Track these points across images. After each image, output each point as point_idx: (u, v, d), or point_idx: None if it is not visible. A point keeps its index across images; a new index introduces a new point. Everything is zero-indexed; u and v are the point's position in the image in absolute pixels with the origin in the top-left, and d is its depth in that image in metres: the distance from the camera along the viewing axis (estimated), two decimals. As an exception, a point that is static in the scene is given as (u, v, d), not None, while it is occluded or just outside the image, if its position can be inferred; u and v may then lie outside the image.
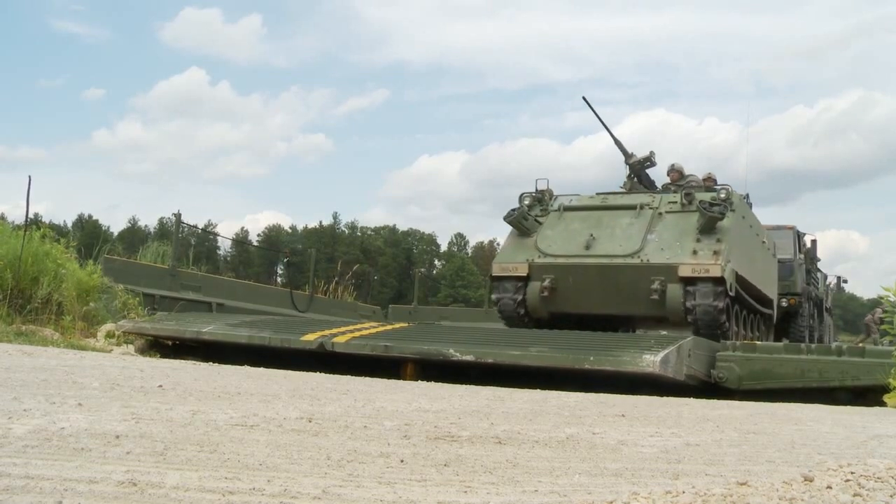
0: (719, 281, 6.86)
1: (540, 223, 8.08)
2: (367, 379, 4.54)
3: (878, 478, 1.71)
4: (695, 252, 7.04)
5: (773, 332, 14.02)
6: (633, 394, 4.29)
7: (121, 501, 1.33)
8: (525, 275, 7.77)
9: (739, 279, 7.45)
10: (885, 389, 4.77)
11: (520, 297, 7.88)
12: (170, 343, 6.39)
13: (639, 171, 8.94)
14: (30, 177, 7.10)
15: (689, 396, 4.58)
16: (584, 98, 8.95)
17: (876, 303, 20.68)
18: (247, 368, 4.81)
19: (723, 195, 7.52)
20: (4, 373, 3.14)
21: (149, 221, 70.41)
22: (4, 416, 2.07)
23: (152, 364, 4.50)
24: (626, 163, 8.97)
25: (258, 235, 71.68)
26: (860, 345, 7.78)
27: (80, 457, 1.64)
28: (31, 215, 7.69)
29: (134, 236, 53.84)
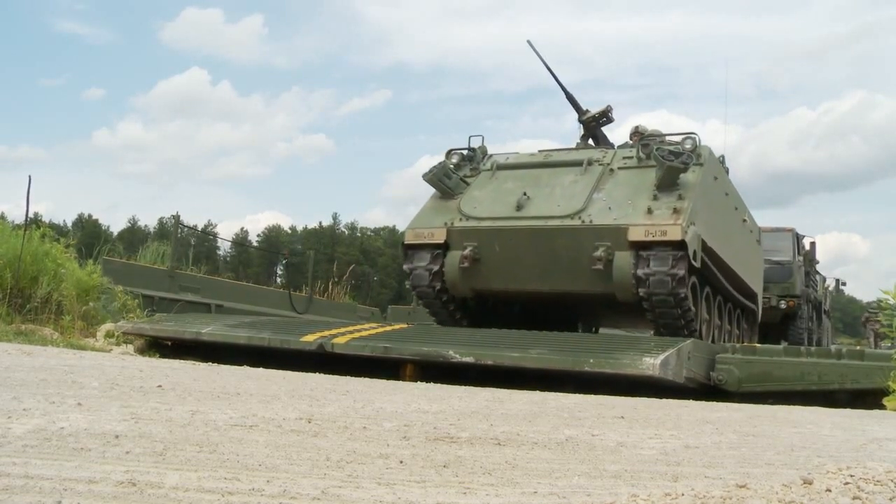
0: (679, 246, 5.62)
1: (468, 184, 6.86)
2: (367, 380, 4.54)
3: (878, 481, 1.71)
4: (650, 211, 5.78)
5: (758, 333, 13.53)
6: (632, 395, 4.29)
7: (120, 501, 1.33)
8: (442, 242, 6.49)
9: (709, 252, 6.28)
10: (885, 392, 4.77)
11: (436, 270, 6.58)
12: (169, 343, 6.39)
13: (594, 128, 7.62)
14: (30, 176, 7.12)
15: (689, 398, 4.58)
16: (528, 42, 7.66)
17: (865, 307, 20.72)
18: (246, 369, 4.81)
19: (688, 145, 6.26)
20: (4, 372, 3.14)
21: (149, 221, 70.54)
22: (4, 415, 2.07)
23: (152, 364, 4.50)
24: (580, 120, 7.63)
25: (258, 236, 71.76)
26: (858, 348, 7.76)
27: (79, 457, 1.64)
28: (31, 215, 7.69)
29: (134, 236, 53.81)
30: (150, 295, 7.82)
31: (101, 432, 1.92)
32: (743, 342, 8.68)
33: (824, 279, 17.09)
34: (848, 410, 4.33)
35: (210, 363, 5.25)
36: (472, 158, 7.19)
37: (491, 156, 7.19)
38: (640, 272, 5.75)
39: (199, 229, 38.49)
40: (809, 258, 14.42)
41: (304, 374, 4.68)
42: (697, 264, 5.80)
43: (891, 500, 1.55)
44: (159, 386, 3.09)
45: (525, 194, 6.32)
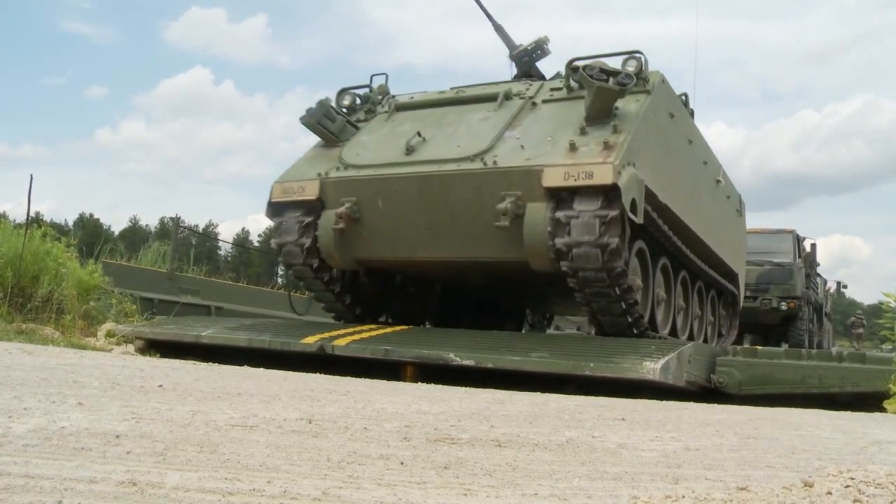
0: (610, 193, 4.33)
1: (357, 129, 5.71)
2: (367, 380, 4.54)
3: (878, 484, 1.71)
4: (573, 148, 4.52)
5: (759, 335, 13.07)
6: (632, 397, 4.28)
7: (120, 501, 1.33)
8: (315, 198, 5.29)
9: (662, 209, 5.07)
10: (885, 395, 4.77)
11: (308, 234, 5.40)
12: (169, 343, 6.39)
13: (527, 64, 6.32)
14: (31, 175, 7.11)
15: (689, 400, 4.58)
16: None
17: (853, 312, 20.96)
18: (247, 369, 4.81)
19: (631, 67, 4.89)
20: (5, 371, 3.14)
21: (150, 221, 70.67)
22: (4, 414, 2.07)
23: (152, 364, 4.50)
24: (511, 56, 6.39)
25: (259, 236, 71.70)
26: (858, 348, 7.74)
27: (79, 456, 1.64)
28: (32, 214, 7.71)
29: (135, 236, 53.84)
30: (149, 297, 7.83)
31: (102, 432, 1.92)
32: (721, 332, 8.24)
33: (825, 281, 17.11)
34: (849, 413, 4.32)
35: (210, 363, 5.25)
36: (369, 99, 5.99)
37: (393, 97, 6.01)
38: (558, 235, 4.50)
39: (201, 229, 38.53)
40: (810, 260, 14.43)
41: (304, 374, 4.68)
42: (639, 219, 4.53)
43: (891, 502, 1.55)
44: (160, 386, 3.09)
45: (419, 135, 5.11)
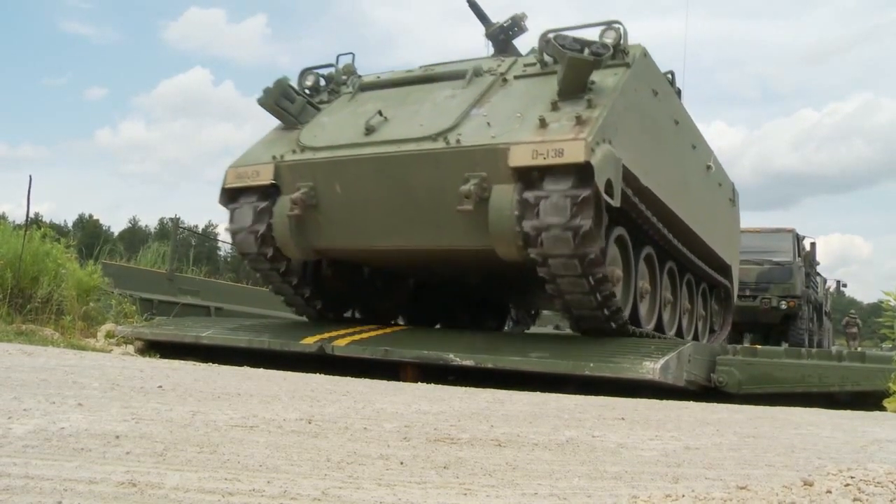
0: (583, 172, 3.99)
1: (319, 110, 5.38)
2: (367, 381, 4.54)
3: (878, 482, 1.71)
4: (543, 124, 4.18)
5: (759, 333, 12.75)
6: (632, 396, 4.28)
7: (120, 502, 1.33)
8: (269, 183, 4.97)
9: (643, 192, 4.77)
10: (885, 394, 4.77)
11: (263, 222, 5.06)
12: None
13: (503, 42, 5.95)
14: (31, 176, 7.12)
15: (689, 400, 4.58)
16: None
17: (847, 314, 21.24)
18: (246, 369, 4.80)
19: (608, 38, 4.58)
20: (4, 372, 3.14)
21: (150, 221, 70.60)
22: (4, 415, 2.07)
23: (152, 364, 4.50)
24: (487, 34, 6.01)
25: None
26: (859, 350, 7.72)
27: (79, 457, 1.64)
28: (32, 215, 7.71)
29: (134, 236, 53.79)
30: (149, 298, 7.82)
31: (102, 433, 1.92)
32: (713, 328, 8.02)
33: (825, 280, 17.12)
34: (848, 412, 4.32)
35: (210, 364, 5.25)
36: (332, 79, 5.63)
37: (359, 76, 5.64)
38: (526, 218, 4.14)
39: (200, 230, 38.52)
40: (810, 259, 14.45)
41: (304, 374, 4.68)
42: (615, 202, 4.17)
43: (891, 501, 1.55)
44: (160, 386, 3.09)
45: (380, 114, 4.76)
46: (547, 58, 4.79)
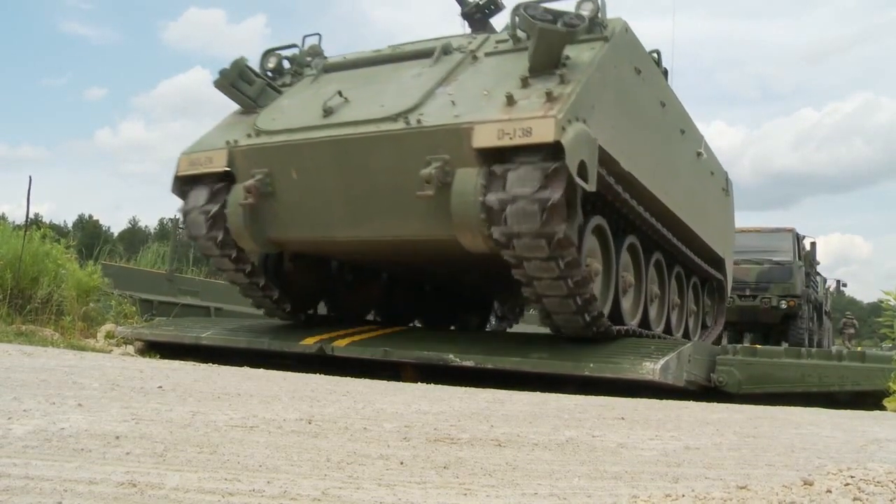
0: (552, 151, 3.68)
1: (280, 93, 5.09)
2: (367, 381, 4.54)
3: (878, 482, 1.71)
4: (510, 101, 3.88)
5: (759, 333, 12.45)
6: (632, 396, 4.28)
7: (120, 502, 1.33)
8: (223, 170, 4.68)
9: (624, 177, 4.45)
10: (885, 394, 4.78)
11: (215, 212, 4.72)
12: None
13: (480, 22, 5.62)
14: (30, 177, 7.13)
15: (689, 399, 4.58)
16: None
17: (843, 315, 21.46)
18: (246, 370, 4.81)
19: (586, 10, 4.26)
20: (4, 373, 3.14)
21: (149, 222, 70.55)
22: (4, 416, 2.07)
23: (152, 365, 4.50)
24: (463, 14, 5.65)
25: (258, 236, 71.49)
26: (859, 350, 7.69)
27: (79, 457, 1.64)
28: (31, 215, 7.71)
29: (134, 237, 53.74)
30: (148, 299, 7.83)
31: (102, 433, 1.92)
32: (706, 324, 7.78)
33: (825, 280, 17.13)
34: (848, 411, 4.33)
35: (210, 364, 5.25)
36: (296, 61, 5.33)
37: (325, 58, 5.33)
38: (490, 198, 3.78)
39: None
40: (810, 259, 14.45)
41: (304, 375, 4.68)
42: (590, 186, 3.84)
43: (891, 501, 1.55)
44: (160, 387, 3.09)
45: (340, 94, 4.46)
46: (521, 33, 4.47)
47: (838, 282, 18.78)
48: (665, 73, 5.58)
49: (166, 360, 5.34)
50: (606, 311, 4.72)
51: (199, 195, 4.83)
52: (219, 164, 4.68)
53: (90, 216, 65.43)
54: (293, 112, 4.70)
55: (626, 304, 5.17)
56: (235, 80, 4.89)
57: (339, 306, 6.51)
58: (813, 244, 14.69)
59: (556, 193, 3.66)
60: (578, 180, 3.74)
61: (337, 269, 6.08)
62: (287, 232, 4.77)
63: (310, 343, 5.41)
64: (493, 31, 5.52)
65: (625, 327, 5.01)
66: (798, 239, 13.97)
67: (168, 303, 7.99)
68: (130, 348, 6.18)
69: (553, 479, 1.73)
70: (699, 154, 6.15)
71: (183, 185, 4.97)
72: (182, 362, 5.19)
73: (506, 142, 3.76)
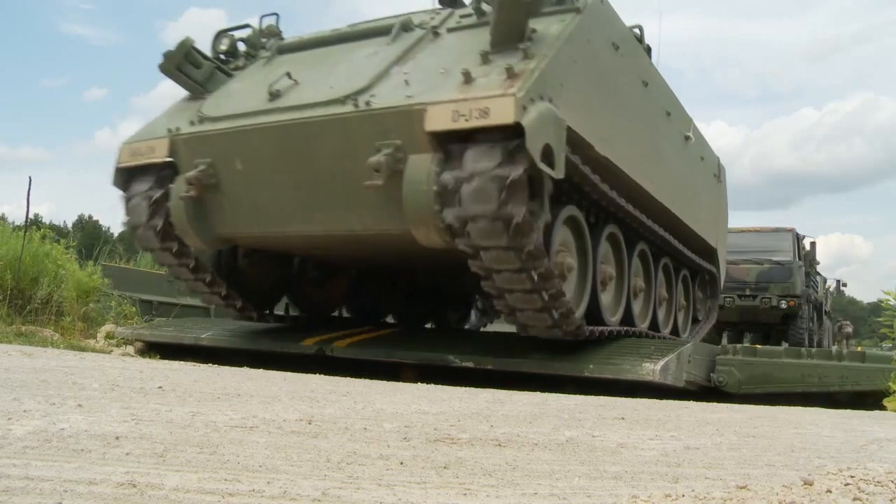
0: (512, 133, 3.31)
1: (231, 77, 4.78)
2: (367, 381, 4.54)
3: (878, 482, 1.71)
4: (468, 79, 3.52)
5: (760, 333, 12.24)
6: (632, 396, 4.28)
7: (120, 503, 1.33)
8: (164, 160, 4.38)
9: (597, 161, 4.09)
10: (885, 393, 4.78)
11: (161, 209, 4.44)
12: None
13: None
14: (30, 177, 7.13)
15: (689, 399, 4.58)
16: None
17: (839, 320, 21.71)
18: (246, 370, 4.81)
19: None
20: (4, 373, 3.14)
21: (149, 223, 70.49)
22: (4, 416, 2.07)
23: (152, 365, 4.50)
24: None
25: (258, 237, 71.47)
26: (859, 350, 7.69)
27: (79, 458, 1.64)
28: (31, 216, 7.71)
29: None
30: (148, 299, 7.83)
31: (102, 433, 1.92)
32: (697, 317, 7.57)
33: (825, 280, 17.12)
34: (848, 411, 4.33)
35: (210, 364, 5.25)
36: (248, 41, 5.01)
37: (282, 39, 5.02)
38: (445, 177, 3.44)
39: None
40: (810, 259, 14.45)
41: (304, 375, 4.68)
42: (556, 173, 3.47)
43: (891, 500, 1.55)
44: (160, 387, 3.09)
45: (289, 76, 4.17)
46: (485, 6, 4.12)
47: (838, 282, 18.77)
48: (648, 50, 5.20)
49: (166, 361, 5.33)
50: (583, 307, 4.47)
51: (143, 184, 4.55)
52: (160, 155, 4.36)
53: (90, 217, 65.35)
54: (240, 97, 4.39)
55: (606, 299, 4.87)
56: (181, 63, 4.55)
57: (303, 304, 6.19)
58: (813, 244, 14.69)
59: (516, 171, 3.30)
60: (543, 166, 3.38)
61: (299, 265, 5.78)
62: (235, 227, 4.44)
63: (310, 344, 5.42)
64: (463, 6, 4.97)
65: (599, 328, 4.63)
66: (798, 239, 13.97)
67: (168, 303, 7.99)
68: (130, 349, 6.18)
69: (553, 479, 1.73)
70: (687, 138, 5.77)
71: (126, 177, 4.67)
72: (182, 363, 5.19)
73: (461, 124, 3.39)
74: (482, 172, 3.35)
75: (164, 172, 4.50)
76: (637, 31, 5.07)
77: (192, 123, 4.35)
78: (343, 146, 3.82)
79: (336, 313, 6.92)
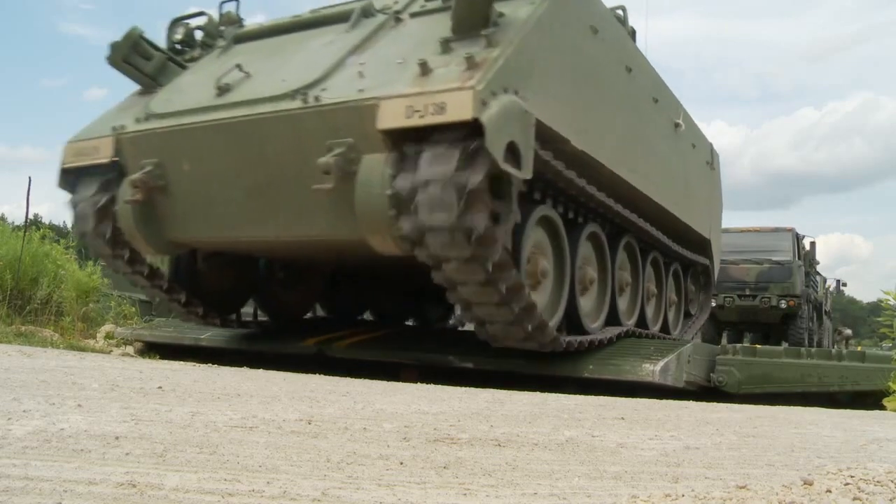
0: (471, 130, 3.00)
1: (186, 68, 4.48)
2: (367, 381, 4.54)
3: (878, 482, 1.71)
4: (425, 71, 3.22)
5: (759, 333, 12.18)
6: (632, 396, 4.28)
7: (120, 503, 1.32)
8: (109, 160, 4.09)
9: (574, 156, 3.80)
10: (885, 393, 4.78)
11: (108, 213, 4.21)
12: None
13: None
14: (30, 177, 7.11)
15: (689, 399, 4.58)
16: None
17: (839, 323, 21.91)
18: (246, 370, 4.81)
19: None
20: (4, 373, 3.14)
21: (149, 223, 70.46)
22: (4, 417, 2.07)
23: (151, 365, 4.50)
24: None
25: (258, 237, 71.45)
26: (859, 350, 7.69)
27: (79, 458, 1.64)
28: (31, 216, 7.71)
29: (134, 238, 53.59)
30: (148, 300, 7.82)
31: (102, 434, 1.92)
32: (689, 312, 7.40)
33: (825, 280, 17.13)
34: (848, 411, 4.33)
35: (210, 364, 5.25)
36: (205, 30, 4.71)
37: (242, 27, 4.72)
38: (399, 182, 3.15)
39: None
40: (809, 258, 14.46)
41: (304, 375, 4.68)
42: (523, 172, 3.16)
43: (891, 500, 1.55)
44: (159, 387, 3.09)
45: (240, 68, 3.89)
46: None
47: (838, 281, 18.79)
48: (632, 33, 4.87)
49: (166, 361, 5.33)
50: (559, 314, 4.23)
51: (89, 186, 4.28)
52: (105, 155, 4.06)
53: (90, 217, 65.39)
54: (190, 91, 4.09)
55: (587, 304, 4.64)
56: (129, 55, 4.25)
57: (273, 307, 5.90)
58: (812, 244, 14.69)
59: (475, 176, 2.99)
60: (507, 167, 3.05)
61: (265, 267, 5.51)
62: (185, 233, 4.17)
63: (309, 344, 5.42)
64: None
65: (579, 339, 4.37)
66: (798, 239, 13.98)
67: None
68: (130, 349, 6.18)
69: (553, 479, 1.73)
70: (677, 125, 5.44)
71: (71, 178, 4.40)
72: (182, 363, 5.19)
73: (415, 121, 3.08)
74: (438, 179, 3.05)
75: (110, 174, 4.23)
76: (620, 12, 4.76)
77: (137, 121, 4.07)
78: (292, 145, 3.54)
79: (310, 314, 6.67)
